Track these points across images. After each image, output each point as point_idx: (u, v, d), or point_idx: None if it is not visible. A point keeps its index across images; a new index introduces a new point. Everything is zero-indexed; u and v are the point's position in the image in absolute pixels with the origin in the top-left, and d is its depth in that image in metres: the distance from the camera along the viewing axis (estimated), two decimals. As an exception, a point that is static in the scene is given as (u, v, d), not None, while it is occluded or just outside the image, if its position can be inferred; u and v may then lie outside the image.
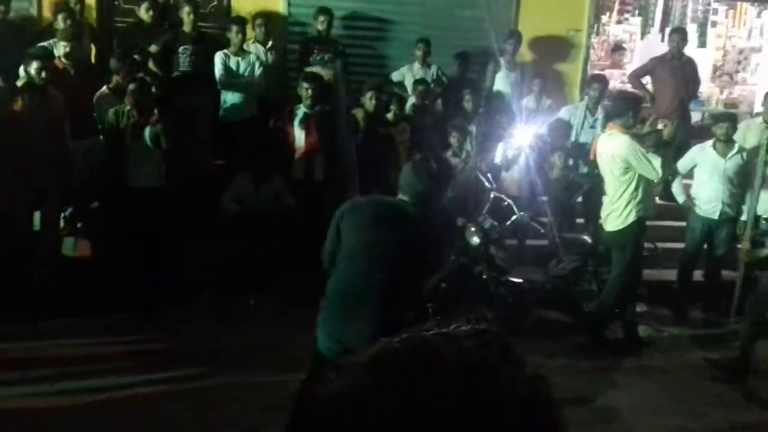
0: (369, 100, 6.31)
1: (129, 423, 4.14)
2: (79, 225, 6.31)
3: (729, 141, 6.30)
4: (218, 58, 6.61)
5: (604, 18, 9.15)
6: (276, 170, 6.30)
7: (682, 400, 4.79)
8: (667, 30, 8.26)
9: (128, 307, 5.35)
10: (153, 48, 6.49)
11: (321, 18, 6.93)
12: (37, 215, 5.68)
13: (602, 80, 7.05)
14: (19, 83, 5.39)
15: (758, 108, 7.81)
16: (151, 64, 6.33)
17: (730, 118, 6.58)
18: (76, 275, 5.77)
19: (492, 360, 0.65)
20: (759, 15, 9.06)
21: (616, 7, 9.29)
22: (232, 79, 6.64)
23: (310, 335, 5.18)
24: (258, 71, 6.70)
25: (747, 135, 6.75)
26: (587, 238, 5.96)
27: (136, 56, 6.01)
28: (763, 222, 6.32)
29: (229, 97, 6.69)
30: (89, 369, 4.67)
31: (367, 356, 0.68)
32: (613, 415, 4.47)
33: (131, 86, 5.28)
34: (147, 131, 5.34)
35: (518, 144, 6.40)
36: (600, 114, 6.81)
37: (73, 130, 5.73)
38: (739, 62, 9.58)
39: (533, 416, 0.63)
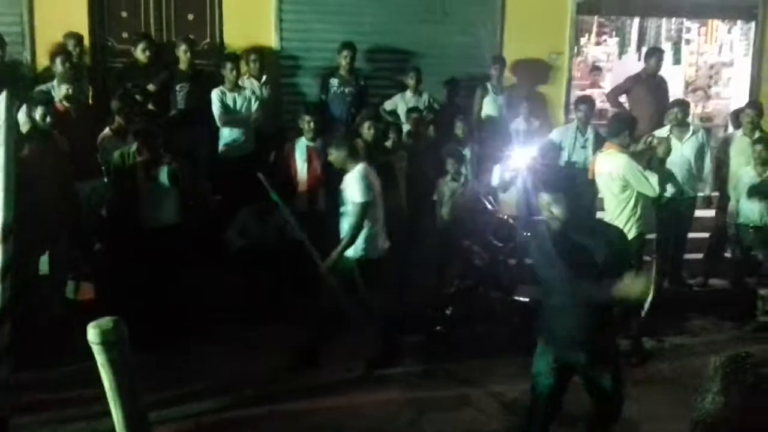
0: (367, 130, 6.44)
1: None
2: (82, 267, 6.31)
3: (684, 125, 6.68)
4: (215, 95, 6.72)
5: (583, 40, 9.46)
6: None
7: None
8: (644, 50, 8.59)
9: (137, 346, 5.34)
10: (150, 87, 6.57)
11: (344, 52, 7.14)
12: (44, 258, 5.69)
13: (589, 101, 7.29)
14: (23, 129, 5.41)
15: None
16: (149, 104, 6.41)
17: (681, 103, 6.98)
18: (81, 318, 5.76)
19: None
20: (729, 31, 9.46)
21: (595, 29, 9.62)
22: (230, 116, 6.74)
23: (325, 362, 5.32)
24: (255, 106, 6.82)
25: (729, 149, 7.07)
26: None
27: (137, 96, 6.08)
28: (750, 230, 6.58)
29: (227, 133, 6.79)
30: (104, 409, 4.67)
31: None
32: (631, 426, 4.59)
33: (141, 127, 5.33)
34: (164, 170, 5.40)
35: (514, 166, 6.57)
36: (590, 134, 7.04)
37: (76, 171, 5.77)
38: (710, 77, 9.96)
39: None
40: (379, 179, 6.38)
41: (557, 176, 3.98)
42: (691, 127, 6.94)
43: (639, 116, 7.62)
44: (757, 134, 6.83)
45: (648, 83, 7.74)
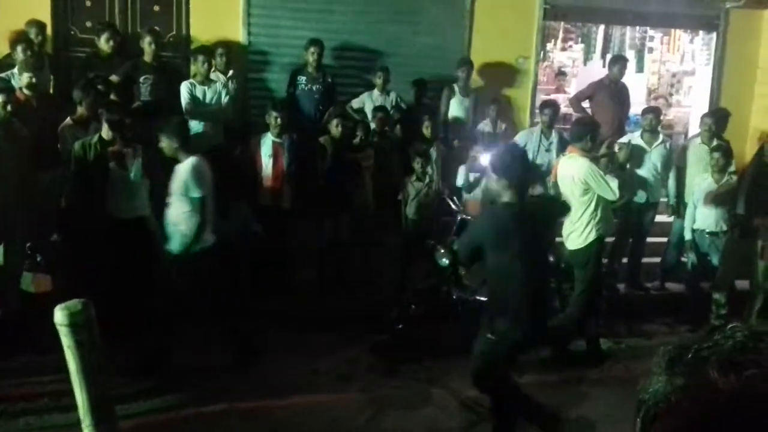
0: (335, 127, 6.45)
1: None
2: (39, 259, 6.18)
3: (654, 132, 6.86)
4: (184, 87, 6.64)
5: (549, 45, 9.57)
6: (243, 198, 6.35)
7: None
8: (608, 56, 8.73)
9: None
10: (114, 78, 6.46)
11: (312, 49, 7.06)
12: (-1, 249, 5.58)
13: (554, 105, 7.39)
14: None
15: (694, 129, 8.36)
16: (112, 95, 6.30)
17: (654, 110, 7.16)
18: (38, 311, 5.65)
19: None
20: (691, 41, 9.66)
21: (561, 35, 9.74)
22: (198, 108, 6.66)
23: (281, 360, 5.31)
24: (224, 99, 6.75)
25: (688, 155, 7.24)
26: (549, 257, 6.20)
27: (99, 86, 5.97)
28: (706, 236, 6.75)
29: (195, 126, 6.70)
30: (63, 404, 4.56)
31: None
32: (589, 426, 4.68)
33: (115, 117, 5.24)
34: (138, 161, 5.34)
35: (479, 167, 6.63)
36: (554, 137, 7.13)
37: (36, 161, 5.65)
38: (672, 85, 10.17)
39: None
40: (345, 176, 6.44)
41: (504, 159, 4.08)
42: (661, 135, 7.10)
43: (600, 121, 7.79)
44: (714, 142, 7.00)
45: (610, 89, 7.87)
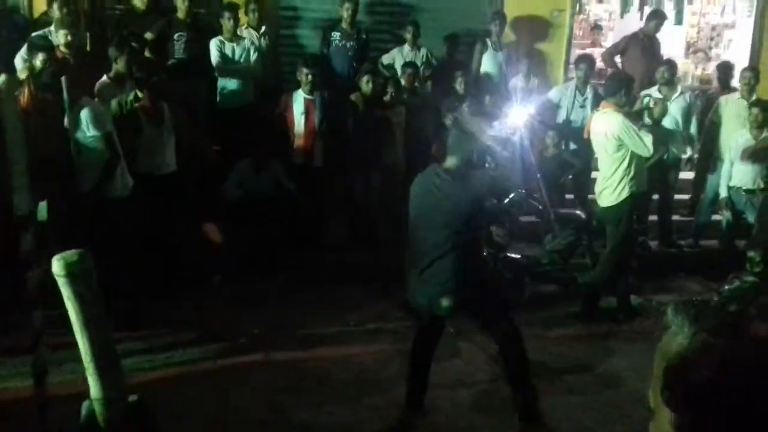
0: (365, 84, 6.43)
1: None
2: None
3: (671, 84, 6.69)
4: (213, 44, 6.67)
5: (585, -2, 9.34)
6: (275, 156, 6.42)
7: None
8: (646, 9, 8.49)
9: (137, 296, 5.37)
10: (148, 35, 6.52)
11: (346, 4, 7.00)
12: (42, 206, 5.72)
13: (589, 60, 7.25)
14: (22, 75, 5.38)
15: (733, 84, 8.13)
16: (146, 52, 6.37)
17: (667, 62, 6.98)
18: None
19: None
20: (733, -8, 9.34)
21: (597, -14, 9.49)
22: (228, 66, 6.70)
23: (313, 314, 5.43)
24: (254, 57, 6.77)
25: (724, 110, 7.07)
26: (581, 214, 6.19)
27: (134, 44, 6.03)
28: (743, 193, 6.64)
29: (227, 84, 6.76)
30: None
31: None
32: (618, 381, 4.72)
33: (141, 75, 5.31)
34: (168, 118, 5.44)
35: (511, 123, 6.58)
36: (589, 93, 7.02)
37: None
38: (712, 38, 9.87)
39: None
40: (376, 134, 6.45)
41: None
42: (679, 87, 6.96)
43: (633, 76, 7.64)
44: (753, 97, 6.83)
45: (643, 43, 7.71)
